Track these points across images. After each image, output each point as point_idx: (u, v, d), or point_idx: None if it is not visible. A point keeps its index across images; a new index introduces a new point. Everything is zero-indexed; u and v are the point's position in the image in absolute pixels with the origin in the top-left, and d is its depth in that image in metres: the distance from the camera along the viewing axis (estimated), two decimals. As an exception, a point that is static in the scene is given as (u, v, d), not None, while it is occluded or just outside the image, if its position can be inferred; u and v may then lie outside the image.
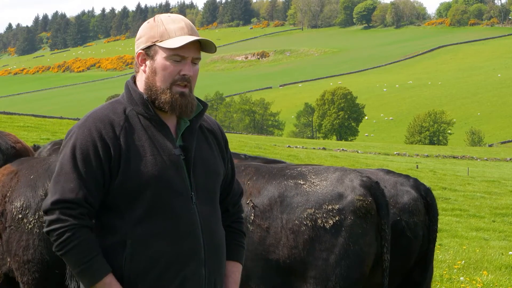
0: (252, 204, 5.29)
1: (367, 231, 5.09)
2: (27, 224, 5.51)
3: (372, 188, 5.16)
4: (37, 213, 5.50)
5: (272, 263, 5.20)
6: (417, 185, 5.60)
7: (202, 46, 3.47)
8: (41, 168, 5.69)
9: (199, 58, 3.49)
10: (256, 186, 5.34)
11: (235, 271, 3.69)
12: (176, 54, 3.41)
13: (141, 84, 3.50)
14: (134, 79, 3.55)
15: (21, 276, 5.52)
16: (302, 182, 5.23)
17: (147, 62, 3.46)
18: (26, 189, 5.61)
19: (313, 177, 5.25)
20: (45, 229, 3.36)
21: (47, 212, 3.35)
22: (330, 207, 5.09)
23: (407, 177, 5.70)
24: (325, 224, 5.07)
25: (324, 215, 5.08)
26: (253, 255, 5.24)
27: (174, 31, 3.43)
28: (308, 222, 5.10)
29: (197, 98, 3.56)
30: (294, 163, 6.02)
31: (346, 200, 5.10)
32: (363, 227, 5.08)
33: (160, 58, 3.42)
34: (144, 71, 3.47)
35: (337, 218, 5.07)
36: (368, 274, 5.14)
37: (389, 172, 5.74)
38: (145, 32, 3.47)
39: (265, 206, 5.26)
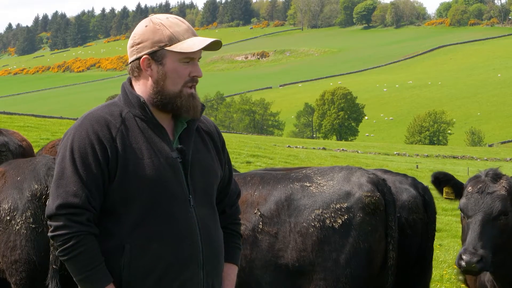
0: (259, 213, 5.27)
1: (376, 228, 5.09)
2: (15, 226, 5.55)
3: (379, 184, 5.17)
4: (24, 215, 5.53)
5: (281, 268, 5.18)
6: (415, 183, 5.60)
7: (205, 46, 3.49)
8: (27, 169, 5.70)
9: (201, 57, 3.51)
10: (263, 195, 5.33)
11: (230, 273, 3.69)
12: (187, 57, 3.42)
13: (143, 88, 3.46)
14: (130, 81, 3.53)
15: (10, 276, 5.57)
16: (308, 184, 5.21)
17: (153, 67, 3.43)
18: (13, 191, 5.63)
19: (319, 178, 5.24)
20: (49, 234, 3.35)
21: (51, 217, 3.33)
22: (338, 206, 5.08)
23: (405, 176, 5.69)
24: (334, 224, 5.06)
25: (333, 214, 5.07)
26: (262, 263, 5.22)
27: (181, 34, 3.43)
28: (316, 223, 5.08)
29: None
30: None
31: (354, 197, 5.09)
32: (372, 224, 5.07)
33: (170, 62, 3.41)
34: (151, 76, 3.44)
35: (345, 217, 5.06)
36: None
37: (386, 171, 5.73)
38: (147, 37, 3.43)
39: (273, 212, 5.24)
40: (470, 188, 5.16)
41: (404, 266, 5.35)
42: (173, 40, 3.42)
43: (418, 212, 5.46)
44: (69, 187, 3.32)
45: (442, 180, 5.36)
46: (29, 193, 5.58)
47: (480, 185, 5.13)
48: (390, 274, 5.14)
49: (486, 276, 5.43)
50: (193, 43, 3.41)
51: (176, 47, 3.41)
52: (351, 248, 5.04)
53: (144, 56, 3.44)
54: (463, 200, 5.16)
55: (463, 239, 5.11)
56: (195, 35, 3.47)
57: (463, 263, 4.87)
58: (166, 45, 3.42)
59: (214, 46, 3.48)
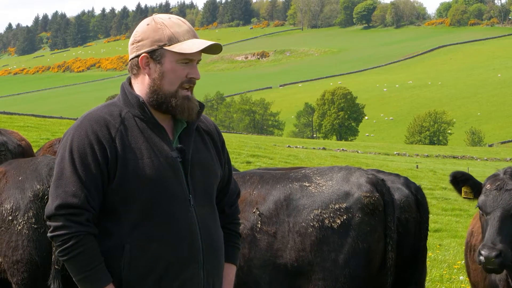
0: (258, 212, 5.27)
1: (375, 228, 5.09)
2: (17, 226, 5.54)
3: (378, 184, 5.17)
4: (26, 215, 5.53)
5: (280, 268, 5.18)
6: (408, 183, 5.59)
7: (205, 47, 3.48)
8: (29, 169, 5.70)
9: (200, 59, 3.51)
10: (261, 194, 5.33)
11: (229, 272, 3.70)
12: (185, 58, 3.43)
13: (141, 87, 3.48)
14: (129, 80, 3.54)
15: (11, 276, 5.56)
16: (307, 184, 5.22)
17: (151, 66, 3.44)
18: (15, 191, 5.63)
19: (318, 178, 5.24)
20: (49, 234, 3.36)
21: (51, 217, 3.34)
22: (337, 206, 5.08)
23: (397, 175, 5.69)
24: (333, 224, 5.07)
25: (331, 214, 5.08)
26: (261, 262, 5.22)
27: (182, 35, 3.44)
28: (315, 223, 5.08)
29: None
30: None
31: (353, 197, 5.10)
32: (371, 224, 5.08)
33: (168, 61, 3.42)
34: (148, 74, 3.45)
35: (344, 217, 5.06)
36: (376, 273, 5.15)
37: (379, 171, 5.73)
38: (148, 35, 3.44)
39: (271, 212, 5.24)
40: (488, 185, 5.17)
41: (398, 265, 5.35)
42: (172, 40, 3.43)
43: (411, 211, 5.45)
44: (68, 187, 3.33)
45: (460, 179, 5.34)
46: (31, 193, 5.57)
47: (499, 182, 5.12)
48: (390, 275, 5.14)
49: (498, 276, 5.40)
50: (192, 45, 3.42)
51: (175, 48, 3.42)
52: (350, 248, 5.04)
53: (143, 54, 3.45)
54: (481, 197, 5.15)
55: (482, 237, 5.08)
56: (195, 37, 3.47)
57: (482, 258, 4.84)
58: (165, 45, 3.43)
59: (214, 49, 3.48)
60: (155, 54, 3.43)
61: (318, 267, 5.07)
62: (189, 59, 3.45)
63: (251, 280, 5.28)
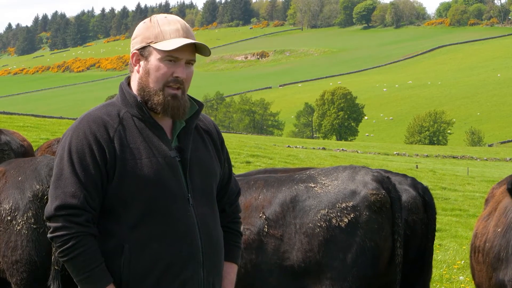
0: (264, 217, 5.26)
1: (383, 226, 5.09)
2: (16, 226, 5.53)
3: (384, 182, 5.17)
4: (25, 215, 5.53)
5: (287, 270, 5.18)
6: (415, 183, 5.58)
7: (197, 48, 3.48)
8: (28, 169, 5.69)
9: (193, 60, 3.48)
10: (267, 198, 5.32)
11: (230, 272, 3.69)
12: (170, 56, 3.41)
13: (135, 85, 3.49)
14: (128, 80, 3.55)
15: (11, 276, 5.56)
16: (312, 185, 5.21)
17: (141, 63, 3.45)
18: (14, 191, 5.62)
19: (323, 178, 5.23)
20: (49, 235, 3.36)
21: (50, 218, 3.34)
22: (344, 205, 5.08)
23: (405, 176, 5.68)
24: (340, 223, 5.06)
25: (339, 214, 5.07)
26: (268, 266, 5.22)
27: (169, 33, 3.42)
28: (322, 223, 5.08)
29: (193, 98, 3.56)
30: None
31: (360, 196, 5.09)
32: (378, 221, 5.07)
33: (154, 59, 3.42)
34: (138, 71, 3.47)
35: (352, 215, 5.06)
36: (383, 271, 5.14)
37: (386, 171, 5.73)
38: (140, 32, 3.47)
39: (278, 214, 5.23)
40: None
41: (404, 266, 5.35)
42: (158, 37, 3.43)
43: (418, 212, 5.44)
44: (67, 188, 3.32)
45: None
46: (30, 193, 5.57)
47: None
48: (399, 272, 5.13)
49: (507, 276, 5.39)
50: (173, 42, 3.40)
51: (158, 45, 3.42)
52: (358, 247, 5.04)
53: (134, 51, 3.48)
54: None
55: None
56: (186, 36, 3.43)
57: None
58: (152, 42, 3.43)
59: (203, 51, 3.47)
60: (144, 51, 3.45)
61: (326, 267, 5.07)
62: (175, 57, 3.42)
63: (258, 284, 5.27)
